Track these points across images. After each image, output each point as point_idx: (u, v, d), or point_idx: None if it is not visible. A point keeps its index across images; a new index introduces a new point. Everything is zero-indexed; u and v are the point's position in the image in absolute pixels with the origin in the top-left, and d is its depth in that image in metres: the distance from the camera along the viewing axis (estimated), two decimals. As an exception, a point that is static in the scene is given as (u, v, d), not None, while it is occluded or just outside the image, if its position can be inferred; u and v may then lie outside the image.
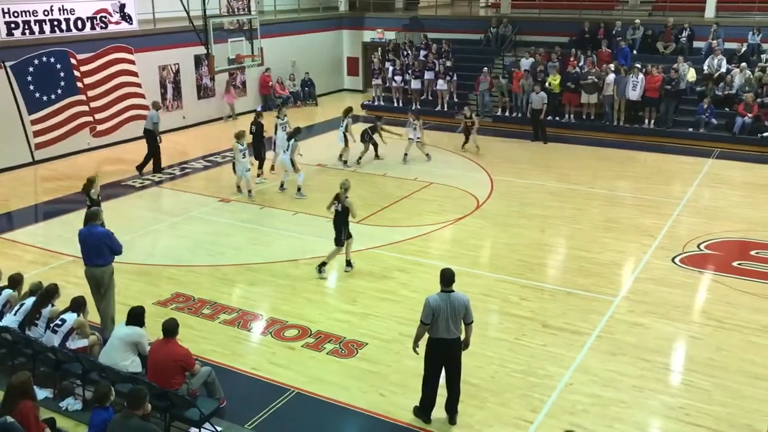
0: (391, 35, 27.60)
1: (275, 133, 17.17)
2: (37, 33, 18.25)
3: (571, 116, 21.84)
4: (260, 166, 17.09)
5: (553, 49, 22.70)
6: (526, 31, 24.95)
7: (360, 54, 29.37)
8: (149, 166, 17.83)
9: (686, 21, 22.53)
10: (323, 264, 11.76)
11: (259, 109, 20.32)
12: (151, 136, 17.61)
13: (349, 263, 11.96)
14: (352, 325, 10.09)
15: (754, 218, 14.19)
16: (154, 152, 17.78)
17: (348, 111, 18.25)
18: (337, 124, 18.48)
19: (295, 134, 15.79)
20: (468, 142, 19.62)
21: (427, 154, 18.69)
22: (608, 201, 15.51)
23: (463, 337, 7.67)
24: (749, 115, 19.31)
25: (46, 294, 8.87)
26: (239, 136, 15.26)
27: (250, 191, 15.82)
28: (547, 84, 21.17)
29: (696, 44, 22.27)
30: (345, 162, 18.26)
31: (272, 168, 17.47)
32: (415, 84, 23.95)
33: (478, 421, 7.92)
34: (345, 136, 18.00)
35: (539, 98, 20.26)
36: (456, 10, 31.30)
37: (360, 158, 18.41)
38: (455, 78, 23.35)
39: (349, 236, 11.82)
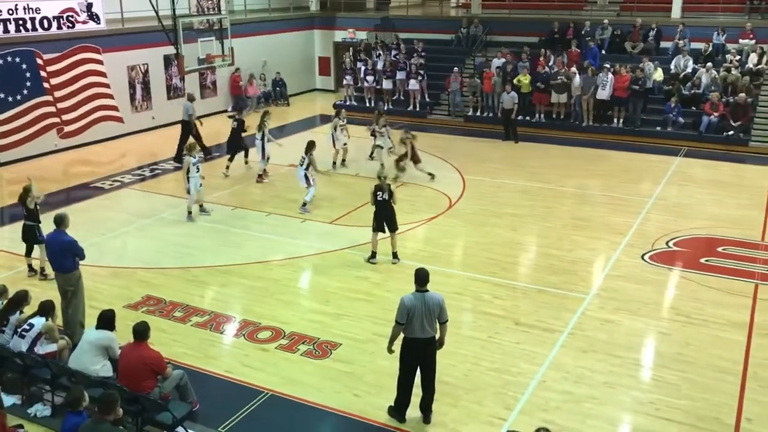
0: (362, 35, 27.61)
1: (261, 137, 16.54)
2: (1, 32, 17.90)
3: (542, 116, 22.05)
4: (230, 159, 17.24)
5: (522, 48, 22.87)
6: (497, 32, 25.13)
7: (332, 54, 29.30)
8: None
9: (654, 21, 22.90)
10: (372, 255, 12.20)
11: (230, 109, 20.28)
12: (187, 126, 18.32)
13: (393, 261, 12.16)
14: (325, 325, 10.07)
15: (720, 215, 14.44)
16: (187, 140, 18.07)
17: (338, 112, 18.26)
18: (308, 125, 18.41)
19: (311, 149, 14.54)
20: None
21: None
22: (578, 199, 15.69)
23: (437, 336, 7.70)
24: (715, 114, 19.67)
25: (15, 300, 8.69)
26: (191, 149, 14.31)
27: (202, 206, 14.61)
28: (515, 81, 21.30)
29: (663, 44, 22.64)
30: (334, 164, 17.84)
31: (261, 176, 16.90)
32: (387, 84, 23.98)
33: (453, 420, 7.95)
34: (333, 137, 17.77)
35: (510, 98, 20.40)
36: (427, 10, 31.43)
37: (390, 149, 17.77)
38: (425, 78, 23.39)
39: (396, 228, 12.15)
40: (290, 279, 11.76)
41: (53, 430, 7.62)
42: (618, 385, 8.63)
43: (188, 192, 14.18)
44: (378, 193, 11.93)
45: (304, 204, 14.65)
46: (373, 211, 12.14)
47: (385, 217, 12.03)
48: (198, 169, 14.14)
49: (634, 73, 20.37)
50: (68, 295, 9.38)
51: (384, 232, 12.15)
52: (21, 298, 8.72)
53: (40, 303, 8.58)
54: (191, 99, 18.72)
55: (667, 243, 13.06)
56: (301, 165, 14.51)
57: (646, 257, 12.43)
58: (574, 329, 9.95)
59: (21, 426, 7.05)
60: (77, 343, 8.21)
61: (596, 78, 20.57)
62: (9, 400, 7.98)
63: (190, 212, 14.38)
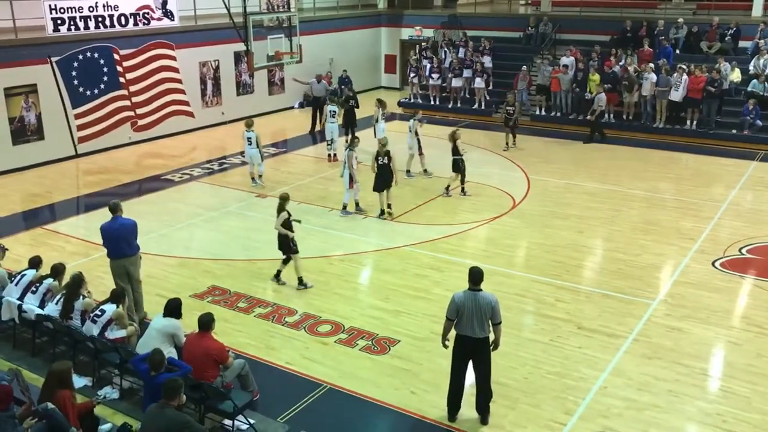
0: (429, 33, 27.54)
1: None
2: (82, 29, 18.64)
3: (611, 116, 21.52)
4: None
5: (593, 47, 22.38)
6: (567, 30, 24.66)
7: (398, 51, 29.35)
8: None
9: (732, 20, 22.04)
10: (381, 212, 14.18)
11: (297, 105, 20.65)
12: (318, 103, 21.56)
13: (388, 211, 14.18)
14: (384, 322, 10.11)
15: (799, 223, 13.83)
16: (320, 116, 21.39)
17: (414, 113, 17.91)
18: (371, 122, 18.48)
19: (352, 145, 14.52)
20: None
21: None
22: (648, 203, 15.25)
23: (492, 337, 7.64)
24: (796, 116, 18.82)
25: (73, 285, 9.00)
26: (249, 125, 16.17)
27: (258, 177, 16.62)
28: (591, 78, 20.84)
29: (742, 44, 21.76)
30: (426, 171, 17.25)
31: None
32: (456, 82, 23.77)
33: (510, 422, 7.87)
34: (418, 141, 17.07)
35: (598, 99, 19.92)
36: (495, 7, 31.04)
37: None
38: (489, 75, 23.15)
39: (390, 186, 14.05)
40: (351, 274, 11.86)
41: (120, 412, 7.90)
42: (683, 394, 8.37)
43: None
44: (378, 158, 13.85)
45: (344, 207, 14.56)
46: (374, 174, 13.92)
47: (384, 179, 13.92)
48: (250, 143, 15.96)
49: (710, 74, 19.66)
50: (132, 280, 9.72)
51: (382, 192, 14.01)
52: (78, 282, 9.00)
53: (111, 290, 8.93)
54: (320, 79, 22.03)
55: (740, 250, 12.58)
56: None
57: (717, 264, 12.00)
58: (639, 335, 9.70)
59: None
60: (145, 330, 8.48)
61: (670, 78, 19.94)
62: (81, 381, 8.32)
63: (254, 178, 16.57)
